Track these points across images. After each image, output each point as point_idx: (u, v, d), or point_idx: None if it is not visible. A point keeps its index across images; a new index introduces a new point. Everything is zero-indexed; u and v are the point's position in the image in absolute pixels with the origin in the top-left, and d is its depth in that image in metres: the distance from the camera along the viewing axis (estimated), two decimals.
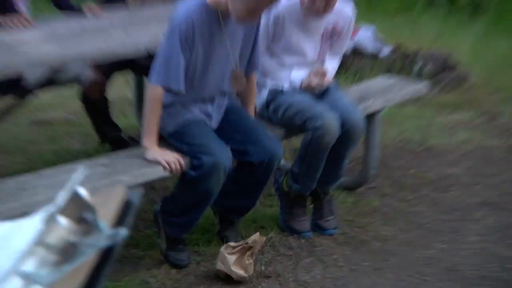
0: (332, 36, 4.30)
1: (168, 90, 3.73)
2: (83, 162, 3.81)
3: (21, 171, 4.01)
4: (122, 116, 5.70)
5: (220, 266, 3.77)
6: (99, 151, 5.02)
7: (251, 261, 3.77)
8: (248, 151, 3.83)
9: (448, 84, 6.84)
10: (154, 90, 3.77)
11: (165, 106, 3.81)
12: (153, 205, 4.19)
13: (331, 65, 4.36)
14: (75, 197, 1.27)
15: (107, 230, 1.27)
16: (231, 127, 3.95)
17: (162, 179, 4.08)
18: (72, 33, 4.27)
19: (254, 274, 3.81)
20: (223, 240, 4.06)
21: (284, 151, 4.06)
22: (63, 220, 1.26)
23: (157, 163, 3.69)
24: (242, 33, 3.89)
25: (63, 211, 1.25)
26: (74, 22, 4.46)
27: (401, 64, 6.98)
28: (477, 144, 5.69)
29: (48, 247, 1.23)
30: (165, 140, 3.83)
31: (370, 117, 4.72)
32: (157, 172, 3.72)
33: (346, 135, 4.11)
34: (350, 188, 4.79)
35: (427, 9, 9.61)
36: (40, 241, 1.23)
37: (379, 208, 4.64)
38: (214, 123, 3.94)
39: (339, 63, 4.52)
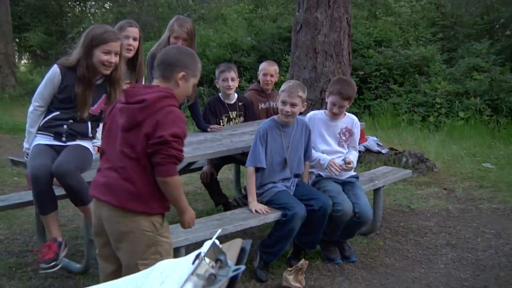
0: (345, 134, 4.28)
1: (256, 167, 3.90)
2: (205, 217, 3.82)
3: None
4: (227, 189, 5.73)
5: (284, 283, 3.74)
6: (214, 211, 5.06)
7: (302, 277, 3.72)
8: (311, 203, 3.86)
9: (422, 171, 6.73)
10: (249, 169, 3.94)
11: (263, 185, 3.89)
12: None
13: (353, 156, 4.31)
14: (214, 246, 1.28)
15: (233, 266, 1.28)
16: (299, 191, 4.00)
17: (251, 228, 4.08)
18: (199, 141, 4.34)
19: (306, 287, 3.74)
20: (289, 263, 4.00)
21: None
22: (207, 260, 1.27)
23: (255, 211, 3.82)
24: (297, 136, 4.00)
25: (207, 254, 1.26)
26: (200, 135, 4.55)
27: (394, 159, 6.90)
28: (441, 208, 5.53)
29: (198, 276, 1.25)
30: (266, 204, 3.93)
31: (376, 191, 4.67)
32: (248, 224, 3.74)
33: (359, 223, 4.11)
34: (364, 234, 4.69)
35: (407, 126, 9.55)
36: (194, 273, 1.23)
37: (382, 247, 4.52)
38: (291, 190, 4.01)
39: (357, 155, 4.44)
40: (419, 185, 6.30)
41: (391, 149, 7.16)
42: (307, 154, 4.13)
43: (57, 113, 3.51)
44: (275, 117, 4.02)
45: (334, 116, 4.18)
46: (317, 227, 3.92)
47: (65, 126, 3.53)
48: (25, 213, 5.15)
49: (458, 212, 5.39)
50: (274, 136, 3.93)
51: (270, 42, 12.24)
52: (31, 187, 3.42)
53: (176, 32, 4.44)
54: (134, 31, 4.07)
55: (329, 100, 4.16)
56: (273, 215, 3.80)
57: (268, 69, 5.29)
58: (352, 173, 4.30)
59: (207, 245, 1.27)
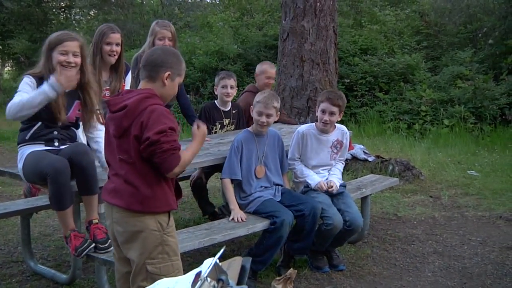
0: (336, 146, 4.29)
1: (232, 179, 3.95)
2: (194, 227, 3.79)
3: None
4: (214, 198, 5.71)
5: None
6: (201, 220, 5.03)
7: (291, 286, 3.70)
8: (300, 208, 3.87)
9: (409, 179, 6.75)
10: (225, 181, 3.99)
11: (248, 195, 3.90)
12: (234, 252, 4.12)
13: (339, 171, 4.31)
14: (216, 266, 1.26)
15: (235, 287, 1.26)
16: (287, 198, 4.00)
17: (239, 237, 4.05)
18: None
19: None
20: (278, 272, 3.99)
21: None
22: (209, 280, 1.25)
23: (232, 219, 3.83)
24: (271, 144, 4.10)
25: (209, 274, 1.24)
26: (188, 144, 4.49)
27: (380, 167, 6.92)
28: (427, 215, 5.55)
29: None
30: (253, 214, 3.93)
31: (363, 199, 4.68)
32: (237, 233, 3.72)
33: (350, 231, 4.09)
34: (352, 242, 4.68)
35: (393, 134, 9.60)
36: None
37: (370, 255, 4.52)
38: (277, 198, 4.01)
39: (343, 166, 4.45)
40: (405, 192, 6.33)
41: (378, 157, 7.19)
42: (282, 166, 4.17)
43: (40, 123, 3.45)
44: (249, 128, 4.13)
45: (325, 126, 4.17)
46: (308, 232, 3.91)
47: (55, 132, 3.50)
48: (10, 223, 5.07)
49: (444, 220, 5.42)
50: (249, 146, 4.00)
51: (256, 50, 12.27)
52: (50, 182, 3.26)
53: (160, 33, 4.54)
54: (116, 37, 4.11)
55: (319, 109, 4.16)
56: (262, 224, 3.79)
57: (272, 72, 5.19)
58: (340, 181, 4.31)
59: (207, 264, 1.25)
